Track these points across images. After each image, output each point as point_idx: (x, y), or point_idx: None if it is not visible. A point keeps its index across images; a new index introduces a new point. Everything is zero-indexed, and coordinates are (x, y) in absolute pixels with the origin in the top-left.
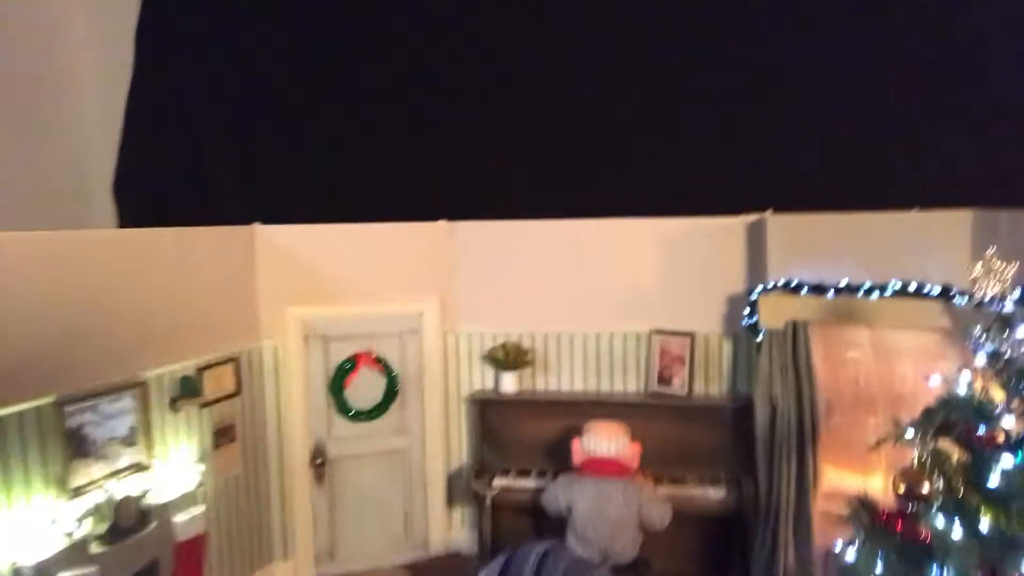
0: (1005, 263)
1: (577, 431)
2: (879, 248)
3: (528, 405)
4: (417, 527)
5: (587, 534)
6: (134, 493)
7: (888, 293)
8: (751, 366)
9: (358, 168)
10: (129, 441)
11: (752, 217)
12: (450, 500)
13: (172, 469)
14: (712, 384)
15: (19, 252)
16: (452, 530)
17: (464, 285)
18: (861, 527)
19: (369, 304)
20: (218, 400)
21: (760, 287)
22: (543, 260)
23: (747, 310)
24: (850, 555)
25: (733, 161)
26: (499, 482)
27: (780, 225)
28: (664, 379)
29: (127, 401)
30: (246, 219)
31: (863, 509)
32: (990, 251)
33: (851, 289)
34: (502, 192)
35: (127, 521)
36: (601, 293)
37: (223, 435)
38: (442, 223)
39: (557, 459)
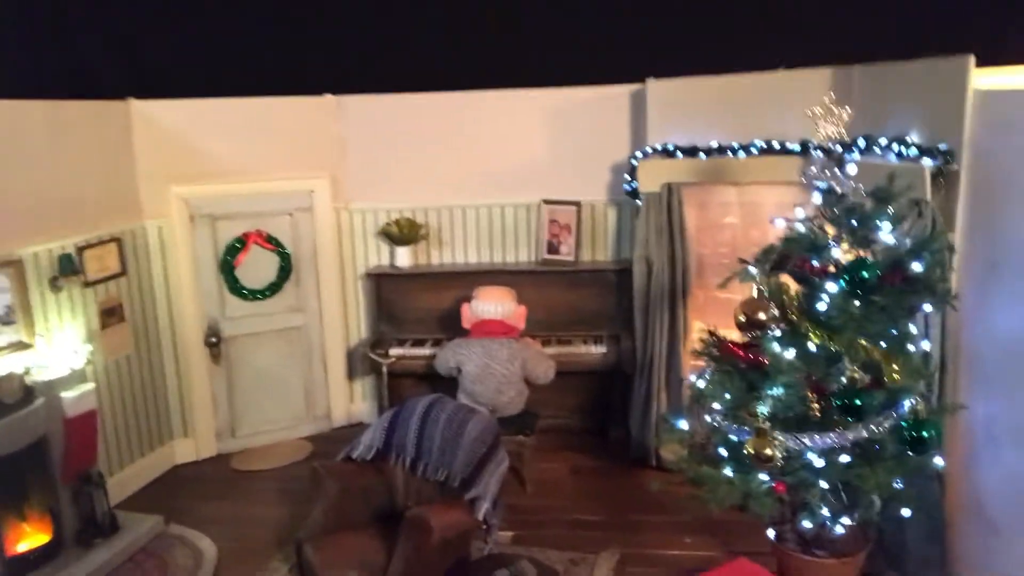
0: (841, 108)
1: (469, 299)
2: (746, 110)
3: (423, 278)
4: (318, 401)
5: (475, 390)
6: (16, 370)
7: (754, 152)
8: (633, 231)
9: (240, 39)
10: (7, 320)
11: (635, 85)
12: (350, 374)
13: (57, 348)
14: (598, 250)
15: None
16: (354, 402)
17: (355, 161)
18: (711, 358)
19: (257, 182)
20: (102, 280)
21: (639, 153)
22: (434, 134)
23: (627, 176)
24: (701, 383)
25: (615, 30)
26: (395, 351)
27: (659, 92)
28: (553, 248)
29: (2, 280)
30: (122, 94)
31: (713, 342)
32: (828, 97)
33: (720, 150)
34: (388, 64)
35: (10, 397)
36: (492, 166)
37: (111, 315)
38: (328, 97)
39: (451, 328)
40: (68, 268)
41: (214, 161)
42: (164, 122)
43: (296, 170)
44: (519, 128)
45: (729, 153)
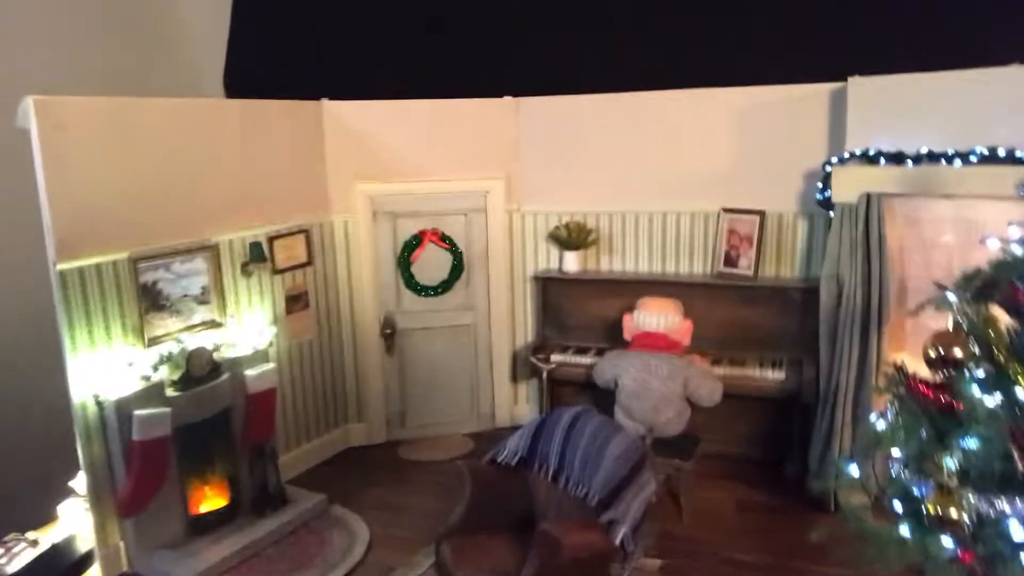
0: None
1: (632, 310)
2: (965, 112)
3: (590, 284)
4: (483, 399)
5: (631, 406)
6: (207, 346)
7: (973, 160)
8: (825, 245)
9: (425, 44)
10: (202, 299)
11: (835, 84)
12: (515, 376)
13: (245, 328)
14: (782, 266)
15: (93, 115)
16: (517, 404)
17: (529, 163)
18: (895, 397)
19: (435, 182)
20: (290, 268)
21: (835, 158)
22: (609, 137)
23: (820, 184)
24: (881, 424)
25: (812, 22)
26: (557, 358)
27: (862, 91)
28: (731, 260)
29: (198, 262)
30: (316, 94)
31: (900, 378)
32: None
33: (932, 157)
34: (567, 66)
35: (199, 371)
36: (669, 170)
37: (296, 301)
38: (507, 99)
39: (616, 338)
40: (258, 254)
41: (397, 161)
42: (353, 122)
43: (473, 171)
44: (700, 130)
45: (943, 161)
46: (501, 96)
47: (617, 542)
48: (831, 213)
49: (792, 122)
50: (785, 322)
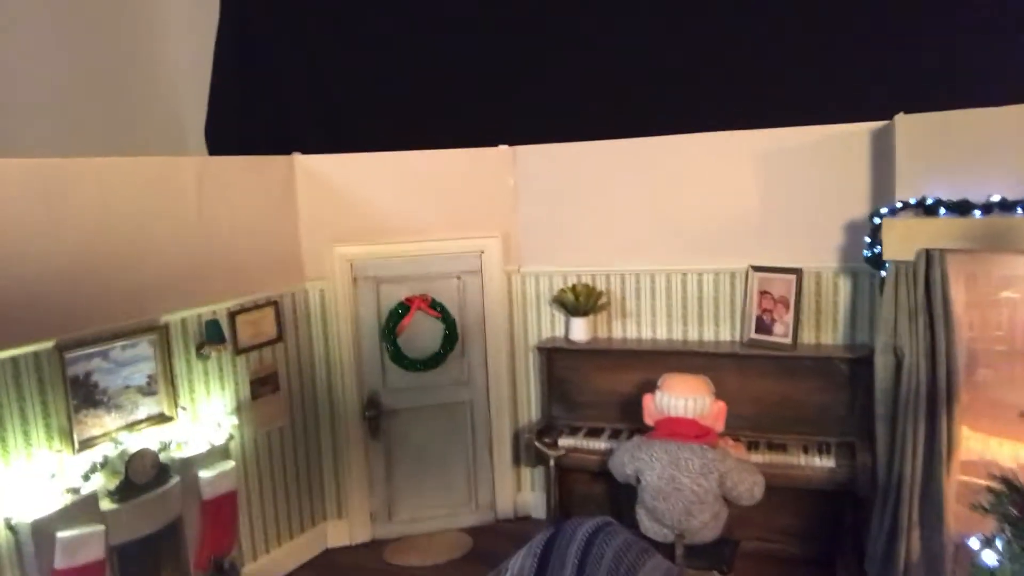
0: None
1: (656, 385)
2: None
3: (602, 355)
4: (482, 488)
5: (657, 508)
6: (152, 446)
7: None
8: (873, 309)
9: (409, 92)
10: (148, 390)
11: (878, 123)
12: (518, 459)
13: (200, 421)
14: (823, 332)
15: (15, 179)
16: (521, 491)
17: (529, 219)
18: (1006, 520)
19: (424, 242)
20: (256, 347)
21: (885, 209)
22: (619, 188)
23: (868, 239)
24: (989, 557)
25: (849, 53)
26: (565, 442)
27: (912, 129)
28: (764, 326)
29: (143, 347)
30: (283, 148)
31: (1010, 494)
32: None
33: (1005, 206)
34: (568, 110)
35: (141, 476)
36: (688, 224)
37: (264, 384)
38: (502, 148)
39: (633, 417)
40: (215, 335)
41: (380, 219)
42: (329, 178)
43: (466, 229)
44: (723, 178)
45: (1020, 210)
46: (496, 145)
47: None
48: (882, 273)
49: (827, 167)
50: (831, 398)
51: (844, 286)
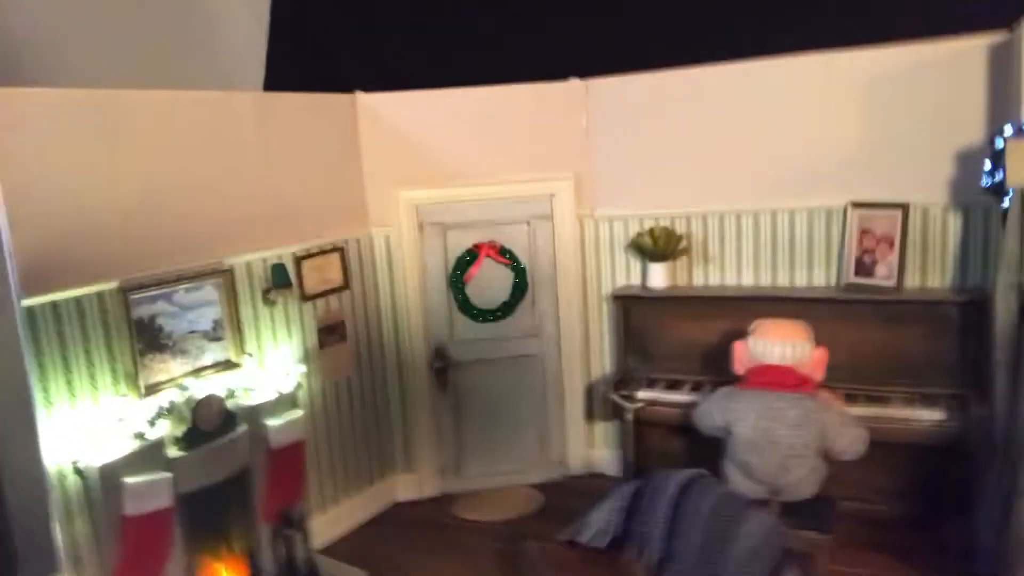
0: None
1: (743, 334)
2: None
3: (683, 303)
4: (553, 443)
5: (750, 463)
6: (218, 393)
7: None
8: (987, 247)
9: (471, 21)
10: (214, 336)
11: (996, 34)
12: (591, 414)
13: (267, 368)
14: (931, 273)
15: (62, 111)
16: (594, 448)
17: (603, 159)
18: None
19: (491, 185)
20: (322, 294)
21: (1010, 128)
22: (701, 121)
23: (987, 164)
24: None
25: None
26: (644, 395)
27: None
28: (864, 268)
29: (208, 291)
30: (347, 85)
31: None
32: None
33: None
34: (644, 37)
35: (208, 424)
36: (778, 158)
37: (331, 333)
38: (574, 82)
39: (717, 369)
40: (282, 279)
41: (445, 162)
42: (392, 118)
43: (536, 171)
44: (817, 105)
45: None
46: (566, 78)
47: None
48: (1005, 202)
49: (937, 88)
50: (939, 347)
51: (954, 223)
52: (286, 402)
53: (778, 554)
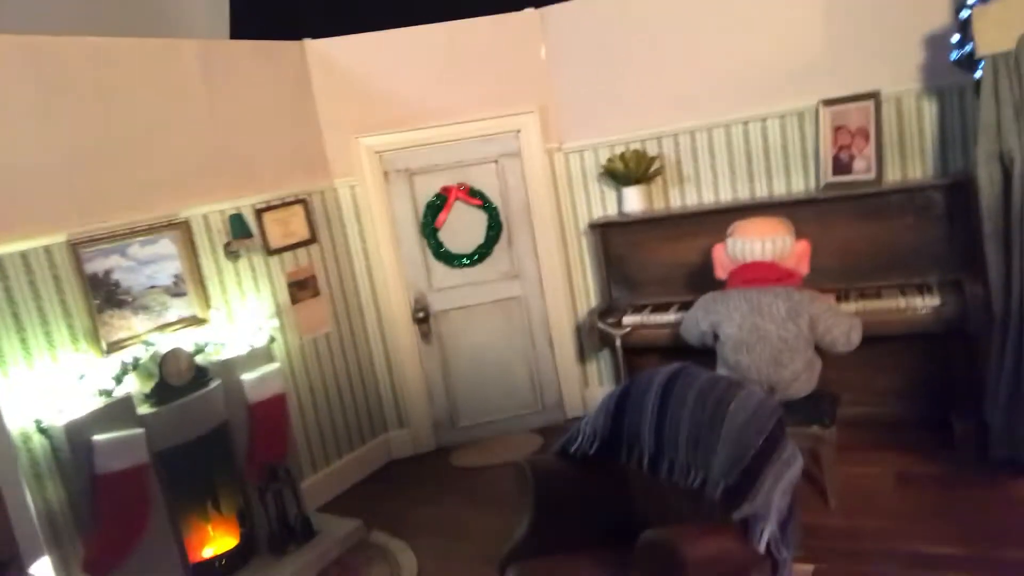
0: None
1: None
2: None
3: (661, 225)
4: (547, 386)
5: (741, 363)
6: (186, 348)
7: None
8: (968, 128)
9: None
10: (176, 291)
11: None
12: (582, 353)
13: (237, 323)
14: (910, 164)
15: (6, 58)
16: (589, 387)
17: (566, 88)
18: None
19: (454, 125)
20: (288, 248)
21: None
22: (662, 35)
23: (955, 37)
24: None
25: None
26: (631, 319)
27: None
28: (842, 165)
29: (165, 244)
30: (291, 33)
31: None
32: None
33: None
34: None
35: (178, 378)
36: (744, 66)
37: (302, 288)
38: (528, 12)
39: (703, 287)
40: (240, 230)
41: (404, 105)
42: (344, 63)
43: (499, 107)
44: (778, 4)
45: None
46: (520, 8)
47: (762, 547)
48: (977, 73)
49: None
50: (926, 235)
51: (929, 109)
52: (261, 356)
53: (771, 426)
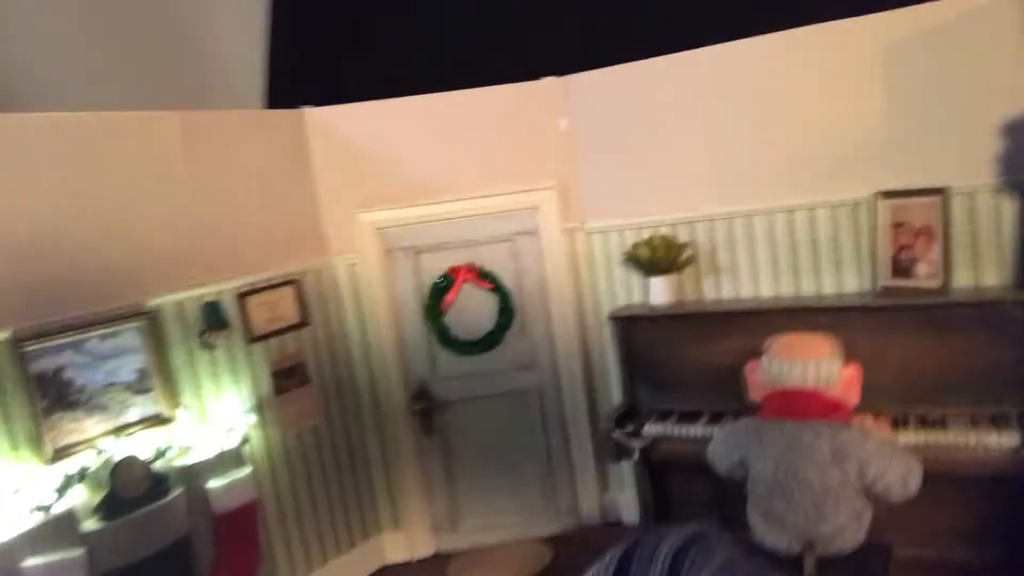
0: None
1: (759, 356)
2: None
3: (692, 321)
4: (560, 489)
5: (775, 509)
6: (145, 453)
7: None
8: None
9: (432, 21)
10: (140, 387)
11: None
12: (600, 453)
13: (210, 423)
14: (984, 270)
15: None
16: (608, 491)
17: (590, 163)
18: None
19: (465, 200)
20: (275, 333)
21: None
22: (698, 112)
23: None
24: None
25: None
26: (652, 429)
27: None
28: (902, 267)
29: (129, 336)
30: (293, 101)
31: None
32: None
33: None
34: (626, 23)
35: (130, 489)
36: (791, 148)
37: (289, 376)
38: (550, 80)
39: (739, 396)
40: (215, 321)
41: (412, 178)
42: (348, 132)
43: (515, 182)
44: (833, 82)
45: None
46: (539, 77)
47: None
48: None
49: (971, 49)
50: (1003, 355)
51: (1007, 207)
52: (231, 459)
53: None
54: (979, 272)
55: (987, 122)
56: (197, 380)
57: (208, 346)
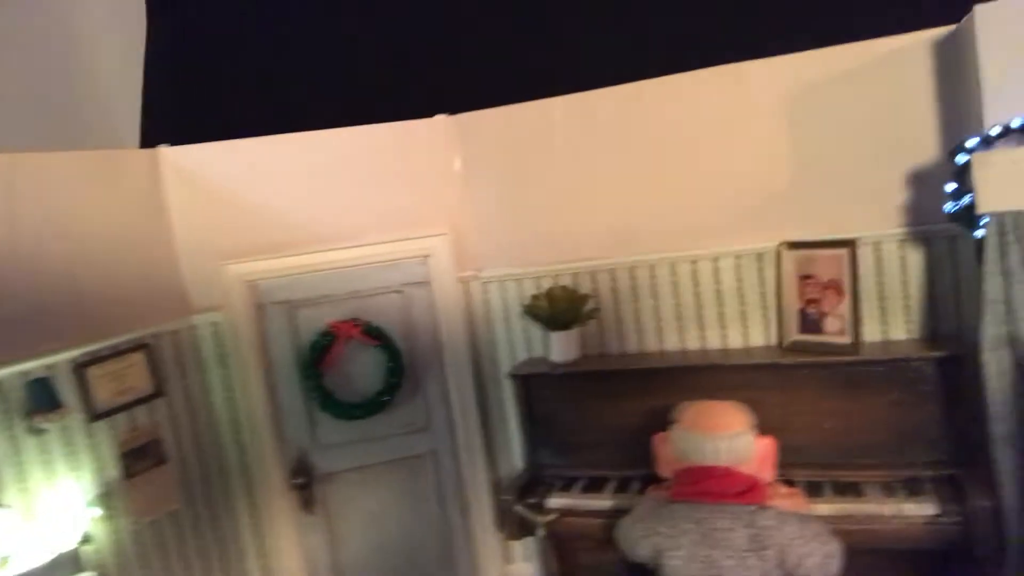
0: None
1: (667, 418)
2: None
3: (596, 379)
4: (460, 565)
5: None
6: None
7: None
8: (958, 285)
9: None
10: None
11: (943, 29)
12: (503, 522)
13: (40, 520)
14: (892, 324)
15: None
16: (512, 563)
17: (484, 208)
18: None
19: (348, 249)
20: (123, 408)
21: (974, 139)
22: (599, 154)
23: (951, 185)
24: None
25: None
26: (557, 501)
27: (1000, 26)
28: (810, 322)
29: None
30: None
31: None
32: None
33: None
34: (524, 59)
35: None
36: (694, 194)
37: (141, 457)
38: (440, 119)
39: (646, 459)
40: (44, 399)
41: (286, 224)
42: (210, 175)
43: (403, 228)
44: (736, 126)
45: None
46: (431, 115)
47: None
48: (977, 233)
49: (876, 97)
50: (916, 414)
51: (915, 258)
52: (68, 564)
53: None
54: (887, 325)
55: (891, 172)
56: (22, 471)
57: (38, 431)
